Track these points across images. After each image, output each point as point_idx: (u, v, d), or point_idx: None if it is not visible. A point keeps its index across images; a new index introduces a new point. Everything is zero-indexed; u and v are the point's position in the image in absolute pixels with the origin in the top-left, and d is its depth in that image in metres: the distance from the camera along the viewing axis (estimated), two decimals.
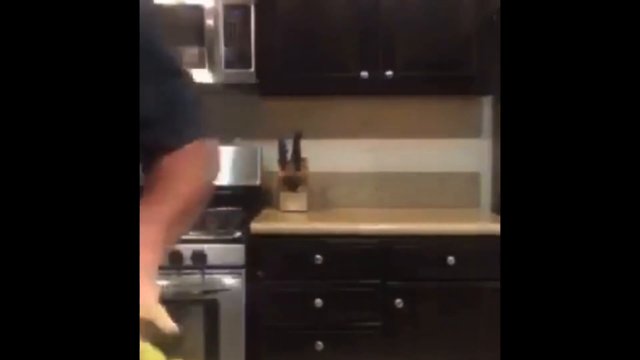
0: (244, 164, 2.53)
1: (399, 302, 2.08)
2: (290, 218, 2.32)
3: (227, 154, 2.52)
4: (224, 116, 2.47)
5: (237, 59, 2.23)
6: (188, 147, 0.86)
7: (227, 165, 2.52)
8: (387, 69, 2.25)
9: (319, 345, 2.11)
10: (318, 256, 2.09)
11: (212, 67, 2.23)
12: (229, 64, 2.23)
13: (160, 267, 0.73)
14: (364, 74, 2.25)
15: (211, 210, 2.43)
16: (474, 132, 2.57)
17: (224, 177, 2.51)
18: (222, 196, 2.51)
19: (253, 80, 2.24)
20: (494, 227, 2.13)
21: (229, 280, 2.07)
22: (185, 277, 1.99)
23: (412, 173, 2.55)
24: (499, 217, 2.31)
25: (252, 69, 2.23)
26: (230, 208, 2.45)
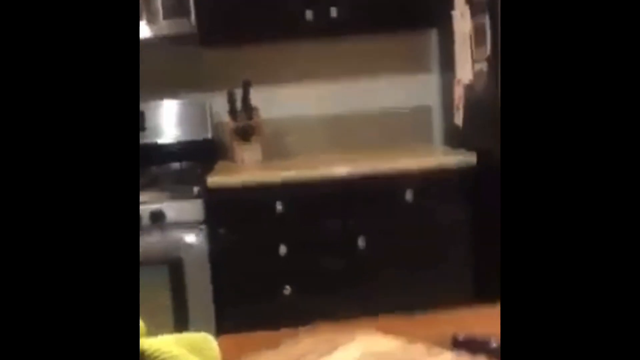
0: (193, 117, 2.48)
1: (361, 242, 2.11)
2: (247, 169, 2.30)
3: (174, 109, 2.46)
4: (167, 71, 2.40)
5: (176, 8, 2.15)
6: None
7: (175, 120, 2.47)
8: (332, 5, 2.20)
9: (287, 289, 2.13)
10: (278, 204, 2.09)
11: (150, 19, 2.15)
12: (167, 14, 2.15)
13: None
14: (309, 13, 2.20)
15: (163, 167, 2.41)
16: (423, 67, 2.57)
17: (174, 133, 2.46)
18: (173, 152, 2.49)
19: (193, 30, 2.17)
20: (448, 160, 2.17)
21: (191, 237, 2.06)
22: (145, 238, 1.97)
23: (365, 112, 2.54)
24: (451, 150, 2.34)
25: (192, 18, 2.16)
26: (183, 164, 2.42)
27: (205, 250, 2.07)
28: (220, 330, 2.07)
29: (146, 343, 0.70)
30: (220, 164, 2.37)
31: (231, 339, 0.77)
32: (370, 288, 2.13)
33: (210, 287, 2.08)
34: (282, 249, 2.11)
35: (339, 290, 2.14)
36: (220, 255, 2.09)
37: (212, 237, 2.07)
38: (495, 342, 0.68)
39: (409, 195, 2.10)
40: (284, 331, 0.79)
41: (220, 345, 0.76)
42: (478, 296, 2.11)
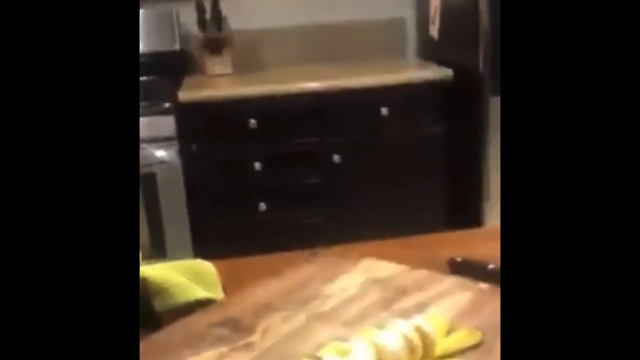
0: (159, 28, 2.37)
1: (337, 157, 2.11)
2: (218, 83, 2.24)
3: (139, 19, 2.35)
4: None
5: None
6: None
7: (140, 30, 2.36)
8: None
9: (262, 206, 2.14)
10: (252, 120, 2.05)
11: None
12: None
13: None
14: None
15: None
16: None
17: (139, 44, 2.36)
18: (139, 65, 2.39)
19: None
20: (424, 74, 2.14)
21: (162, 153, 2.03)
22: None
23: (338, 24, 2.47)
24: (426, 64, 2.31)
25: None
26: (150, 77, 2.33)
27: (178, 165, 2.04)
28: (196, 246, 2.08)
29: (147, 271, 0.69)
30: (190, 78, 2.30)
31: (229, 264, 0.77)
32: (346, 205, 2.15)
33: (184, 202, 2.07)
34: (257, 165, 2.09)
35: (314, 206, 2.16)
36: (193, 171, 2.07)
37: (185, 153, 2.04)
38: (492, 265, 0.70)
39: (384, 111, 2.08)
40: (283, 257, 0.79)
41: (218, 270, 0.76)
42: (453, 213, 2.15)
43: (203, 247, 2.07)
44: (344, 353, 0.49)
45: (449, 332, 0.55)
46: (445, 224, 2.12)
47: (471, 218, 2.08)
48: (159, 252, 2.06)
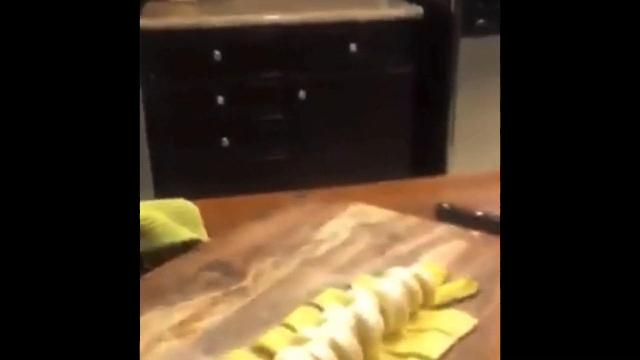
0: None
1: (302, 94, 2.07)
2: (181, 10, 2.14)
3: None
4: None
5: None
6: None
7: None
8: None
9: (225, 141, 2.10)
10: (216, 52, 1.98)
11: None
12: None
13: None
14: None
15: None
16: None
17: None
18: None
19: None
20: (395, 12, 2.10)
21: None
22: None
23: None
24: (397, 1, 2.26)
25: None
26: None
27: (139, 97, 1.97)
28: (157, 181, 2.04)
29: None
30: (150, 4, 2.20)
31: (209, 204, 0.75)
32: (311, 142, 2.13)
33: (144, 137, 2.01)
34: (220, 99, 2.04)
35: (277, 143, 2.13)
36: (154, 104, 2.00)
37: (145, 84, 1.97)
38: (480, 212, 0.70)
39: (353, 47, 2.04)
40: (266, 198, 0.78)
41: (200, 210, 0.74)
42: (417, 154, 2.16)
43: (164, 183, 2.04)
44: (345, 301, 0.48)
45: (445, 280, 0.55)
46: (410, 166, 2.14)
47: (435, 161, 2.10)
48: None
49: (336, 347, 0.43)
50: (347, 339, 0.44)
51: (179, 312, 0.54)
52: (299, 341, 0.44)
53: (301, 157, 2.11)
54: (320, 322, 0.46)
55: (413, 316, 0.50)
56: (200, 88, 2.03)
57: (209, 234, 0.70)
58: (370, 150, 2.09)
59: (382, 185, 0.84)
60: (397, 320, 0.48)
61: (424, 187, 0.83)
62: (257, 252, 0.62)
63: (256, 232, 0.66)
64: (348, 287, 0.55)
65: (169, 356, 0.49)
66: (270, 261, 0.61)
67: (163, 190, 1.97)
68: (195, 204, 0.75)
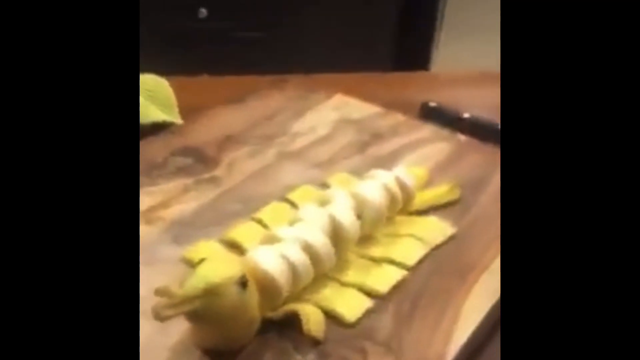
0: None
1: None
2: None
3: None
4: None
5: None
6: None
7: None
8: None
9: (203, 12, 1.99)
10: None
11: None
12: None
13: None
14: None
15: None
16: None
17: None
18: None
19: None
20: None
21: None
22: None
23: None
24: None
25: None
26: None
27: None
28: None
29: None
30: None
31: (183, 83, 0.71)
32: (291, 22, 2.04)
33: None
34: None
35: (259, 18, 2.03)
36: None
37: None
38: (467, 113, 0.67)
39: None
40: (243, 80, 0.73)
41: (172, 89, 0.70)
42: (401, 50, 2.09)
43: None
44: (321, 201, 0.46)
45: (425, 185, 0.53)
46: (392, 60, 2.07)
47: (417, 61, 2.04)
48: None
49: (308, 249, 0.41)
50: (321, 241, 0.42)
51: (146, 197, 0.51)
52: (270, 240, 0.42)
53: (280, 36, 2.03)
54: (293, 222, 0.44)
55: (390, 220, 0.48)
56: None
57: (181, 116, 0.67)
58: (353, 36, 2.01)
59: (367, 76, 0.80)
60: (374, 225, 0.47)
61: (411, 82, 0.79)
62: (231, 139, 0.59)
63: (230, 118, 0.63)
64: (325, 185, 0.53)
65: None
66: (244, 150, 0.58)
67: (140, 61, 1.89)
68: (168, 81, 0.70)
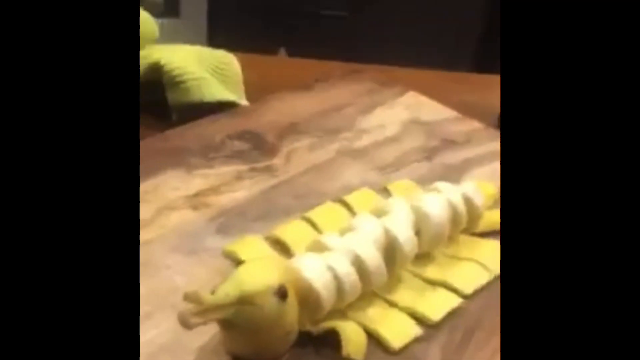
0: None
1: None
2: None
3: None
4: None
5: None
6: None
7: None
8: None
9: None
10: None
11: None
12: None
13: None
14: None
15: None
16: None
17: None
18: None
19: None
20: None
21: None
22: None
23: None
24: None
25: None
26: None
27: None
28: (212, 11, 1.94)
29: (165, 57, 0.60)
30: None
31: (254, 60, 0.68)
32: (375, 2, 1.99)
33: None
34: None
35: None
36: None
37: None
38: None
39: None
40: (314, 65, 0.70)
41: (241, 66, 0.67)
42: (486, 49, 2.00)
43: (218, 17, 1.94)
44: (378, 210, 0.43)
45: (495, 204, 0.48)
46: (474, 64, 1.99)
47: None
48: (172, 12, 1.93)
49: (358, 263, 0.38)
50: (372, 256, 0.38)
51: (197, 180, 0.49)
52: (319, 247, 0.39)
53: (362, 17, 1.97)
54: (345, 230, 0.41)
55: (451, 240, 0.44)
56: None
57: (247, 97, 0.64)
58: (437, 31, 1.94)
59: (446, 74, 0.75)
60: (433, 243, 0.43)
61: (493, 86, 0.74)
62: (293, 128, 0.56)
63: (297, 105, 0.60)
64: (385, 190, 0.49)
65: (178, 228, 0.45)
66: (306, 142, 0.55)
67: (217, 24, 1.88)
68: (238, 58, 0.68)
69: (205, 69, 0.61)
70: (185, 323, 0.30)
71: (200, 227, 0.45)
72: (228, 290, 0.32)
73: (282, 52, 1.82)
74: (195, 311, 0.31)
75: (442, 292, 0.41)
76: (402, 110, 0.60)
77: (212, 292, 0.32)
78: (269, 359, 0.36)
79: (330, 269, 0.37)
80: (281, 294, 0.34)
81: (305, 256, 0.38)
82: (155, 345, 0.36)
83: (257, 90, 0.64)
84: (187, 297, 0.31)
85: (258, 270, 0.34)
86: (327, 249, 0.39)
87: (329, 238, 0.40)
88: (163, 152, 0.52)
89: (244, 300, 0.33)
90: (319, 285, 0.36)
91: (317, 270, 0.37)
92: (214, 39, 1.89)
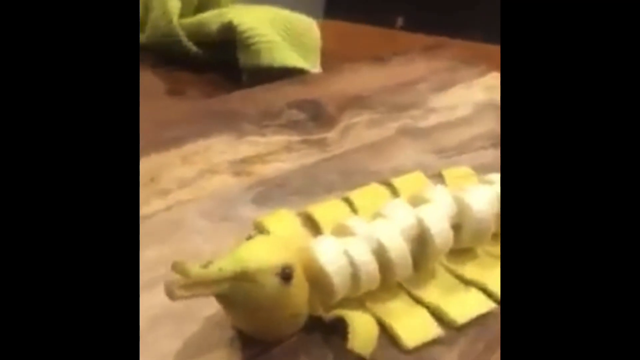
0: None
1: None
2: None
3: None
4: None
5: None
6: None
7: None
8: None
9: None
10: None
11: None
12: None
13: None
14: None
15: None
16: None
17: None
18: None
19: None
20: None
21: None
22: None
23: None
24: None
25: None
26: None
27: None
28: None
29: (238, 16, 0.59)
30: None
31: (332, 27, 0.65)
32: None
33: None
34: None
35: None
36: None
37: None
38: None
39: None
40: (394, 35, 0.67)
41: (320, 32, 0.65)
42: None
43: None
44: (419, 198, 0.39)
45: None
46: None
47: None
48: None
49: (380, 253, 0.35)
50: (397, 246, 0.35)
51: (245, 146, 0.48)
52: (342, 231, 0.37)
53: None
54: (377, 216, 0.38)
55: (496, 237, 0.40)
56: None
57: (322, 65, 0.62)
58: None
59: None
60: (476, 240, 0.39)
61: None
62: (357, 101, 0.53)
63: (368, 76, 0.57)
64: (439, 175, 0.46)
65: (216, 193, 0.44)
66: (366, 116, 0.52)
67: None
68: (319, 24, 0.66)
69: (278, 32, 0.60)
70: (170, 293, 0.29)
71: (237, 194, 0.44)
72: (223, 265, 0.31)
73: (399, 21, 1.77)
74: (183, 283, 0.29)
75: (475, 294, 0.37)
76: (479, 92, 0.55)
77: (205, 266, 0.31)
78: (273, 338, 0.35)
79: (348, 254, 0.35)
80: (284, 275, 0.32)
81: (324, 238, 0.36)
82: (161, 309, 0.36)
83: (334, 59, 0.62)
84: (174, 268, 0.29)
85: (262, 248, 0.33)
86: (351, 234, 0.36)
87: (355, 222, 0.37)
88: (219, 115, 0.51)
89: (243, 277, 0.31)
90: (330, 270, 0.34)
91: (332, 254, 0.34)
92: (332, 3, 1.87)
